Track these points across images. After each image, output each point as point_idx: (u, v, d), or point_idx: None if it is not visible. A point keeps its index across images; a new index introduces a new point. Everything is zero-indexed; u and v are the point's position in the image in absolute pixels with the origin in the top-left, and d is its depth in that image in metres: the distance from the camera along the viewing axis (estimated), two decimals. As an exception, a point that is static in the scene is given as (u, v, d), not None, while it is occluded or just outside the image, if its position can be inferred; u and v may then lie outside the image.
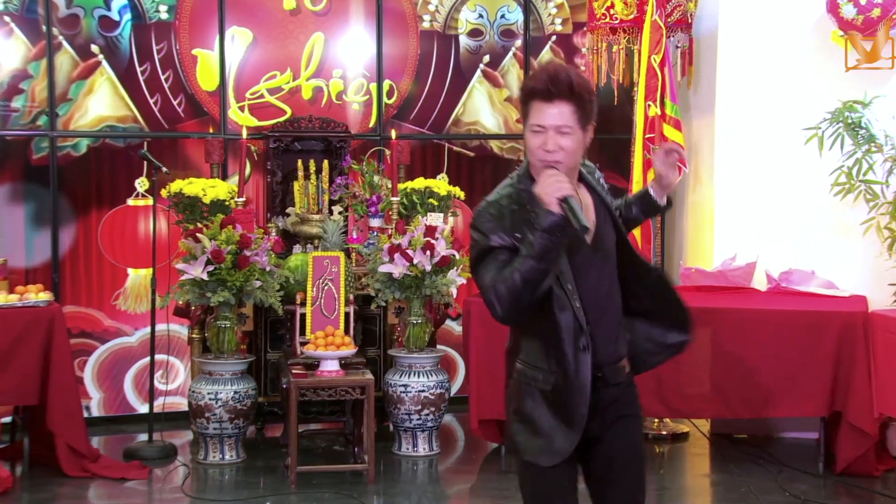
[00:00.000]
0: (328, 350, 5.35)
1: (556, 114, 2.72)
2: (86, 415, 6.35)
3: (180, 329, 6.44)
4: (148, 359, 6.40)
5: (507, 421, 2.94)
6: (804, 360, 5.41)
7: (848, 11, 5.75)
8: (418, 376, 5.77)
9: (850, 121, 5.60)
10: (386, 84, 6.90)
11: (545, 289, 2.71)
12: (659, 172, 3.05)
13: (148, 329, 6.41)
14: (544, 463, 2.83)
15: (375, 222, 6.11)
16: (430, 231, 5.67)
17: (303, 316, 5.62)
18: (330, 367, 5.35)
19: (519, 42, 7.16)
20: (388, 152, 6.47)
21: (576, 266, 2.79)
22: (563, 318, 2.75)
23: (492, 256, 2.74)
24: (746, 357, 5.50)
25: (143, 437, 5.92)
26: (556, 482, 2.84)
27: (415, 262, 5.59)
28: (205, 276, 5.42)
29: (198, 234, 5.50)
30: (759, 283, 6.17)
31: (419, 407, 5.73)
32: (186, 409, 5.91)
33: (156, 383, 6.31)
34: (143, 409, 6.49)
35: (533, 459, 2.84)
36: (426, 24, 7.02)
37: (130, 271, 6.56)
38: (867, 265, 5.89)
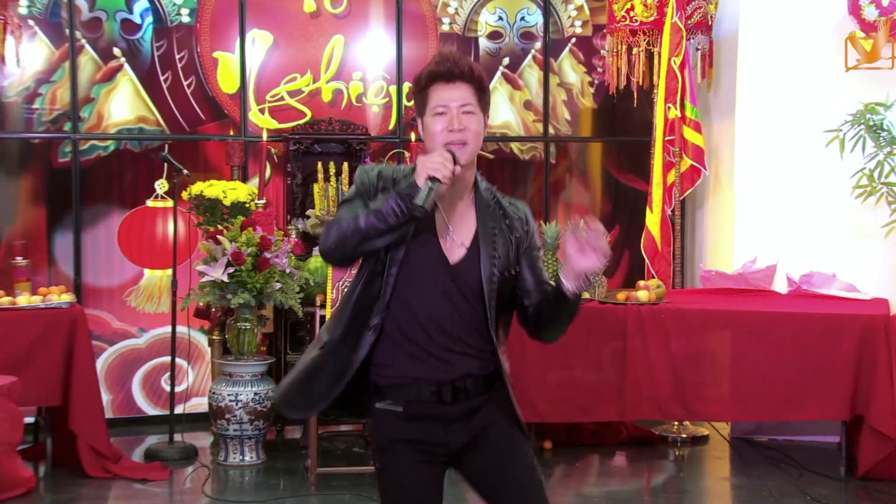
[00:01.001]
0: (348, 352, 5.34)
1: (460, 94, 2.73)
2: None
3: (185, 331, 6.39)
4: (156, 360, 6.48)
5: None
6: (825, 363, 5.39)
7: (870, 13, 5.73)
8: (438, 378, 5.77)
9: (871, 123, 5.57)
10: (406, 86, 6.91)
11: (372, 248, 2.68)
12: (567, 253, 2.73)
13: (156, 331, 6.49)
14: (283, 412, 2.95)
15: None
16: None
17: (322, 318, 5.63)
18: (350, 368, 5.34)
19: (538, 44, 7.16)
20: (407, 154, 6.48)
21: (419, 268, 2.73)
22: (360, 291, 2.74)
23: (353, 203, 2.75)
24: (767, 360, 5.48)
25: (156, 438, 5.96)
26: (413, 481, 2.80)
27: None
28: (225, 278, 5.44)
29: (218, 237, 5.53)
30: (780, 285, 6.15)
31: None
32: (204, 410, 5.93)
33: (163, 385, 6.35)
34: (152, 411, 6.53)
35: (275, 402, 2.95)
36: (446, 27, 7.03)
37: (146, 271, 6.59)
38: (889, 268, 5.86)
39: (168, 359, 6.04)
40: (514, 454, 2.83)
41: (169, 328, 6.03)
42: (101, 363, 6.43)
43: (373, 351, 2.76)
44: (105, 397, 6.42)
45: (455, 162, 2.68)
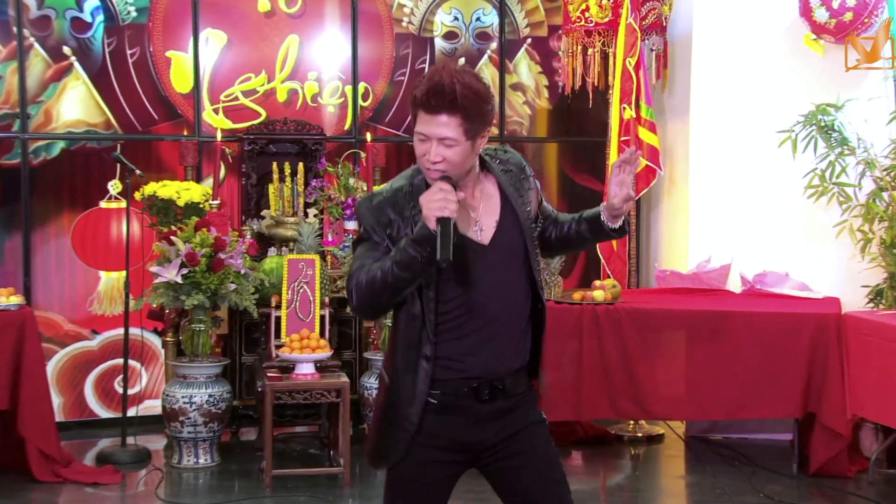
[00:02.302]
0: (303, 353, 5.33)
1: (440, 125, 2.62)
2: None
3: (138, 332, 6.31)
4: (109, 363, 6.39)
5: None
6: (778, 361, 5.44)
7: (821, 15, 5.79)
8: (394, 379, 5.75)
9: (822, 124, 5.64)
10: (361, 86, 6.89)
11: (407, 294, 2.67)
12: (610, 193, 2.82)
13: (110, 333, 6.40)
14: (375, 467, 2.86)
15: (351, 225, 6.09)
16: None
17: (278, 319, 5.60)
18: (305, 370, 5.32)
19: (494, 45, 7.16)
20: (363, 155, 6.46)
21: (462, 268, 2.69)
22: (404, 323, 2.72)
23: (368, 244, 2.72)
24: (721, 359, 5.52)
25: (108, 441, 5.88)
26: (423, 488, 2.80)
27: (390, 264, 5.57)
28: (179, 279, 5.38)
29: (172, 237, 5.47)
30: (734, 285, 6.20)
31: (395, 410, 5.71)
32: (157, 412, 5.86)
33: (116, 387, 6.27)
34: (105, 413, 6.44)
35: (371, 462, 2.87)
36: (401, 27, 7.01)
37: (102, 274, 6.51)
38: (840, 267, 5.93)
39: (119, 361, 5.97)
40: (549, 471, 2.82)
41: (122, 330, 5.96)
42: (52, 366, 6.34)
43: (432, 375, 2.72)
44: (57, 400, 6.35)
45: (455, 187, 2.63)
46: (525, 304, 2.80)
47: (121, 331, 5.96)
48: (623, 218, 2.84)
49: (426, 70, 6.92)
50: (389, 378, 2.77)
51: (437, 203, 2.58)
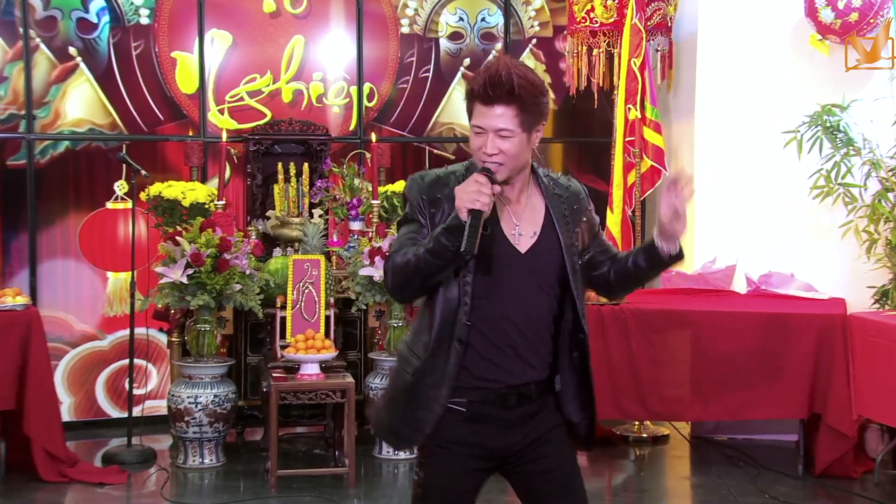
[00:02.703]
0: (308, 353, 5.33)
1: (496, 117, 2.63)
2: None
3: (147, 332, 6.33)
4: (120, 363, 6.40)
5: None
6: (783, 362, 5.44)
7: (826, 16, 5.79)
8: (399, 380, 5.75)
9: (828, 124, 5.64)
10: (366, 87, 6.89)
11: (439, 281, 2.67)
12: (659, 217, 2.75)
13: (120, 333, 6.39)
14: (392, 445, 2.88)
15: (356, 225, 6.10)
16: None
17: (283, 319, 5.60)
18: (310, 370, 5.33)
19: (499, 45, 7.16)
20: (368, 155, 6.46)
21: (493, 266, 2.69)
22: (441, 305, 2.69)
23: (411, 224, 2.72)
24: (726, 359, 5.52)
25: (118, 441, 5.88)
26: (451, 488, 2.78)
27: (395, 265, 5.57)
28: (184, 280, 5.39)
29: (177, 238, 5.47)
30: (739, 285, 6.20)
31: (400, 410, 5.71)
32: (164, 413, 5.87)
33: (126, 387, 6.29)
34: (116, 413, 6.46)
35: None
36: (406, 28, 7.02)
37: (110, 276, 6.52)
38: (846, 268, 5.93)
39: (135, 361, 6.00)
40: (571, 474, 2.82)
41: (139, 330, 5.98)
42: (63, 365, 6.39)
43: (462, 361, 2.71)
44: (67, 400, 6.40)
45: (492, 181, 2.63)
46: (548, 325, 2.76)
47: (136, 330, 5.97)
48: (678, 241, 2.76)
49: (430, 71, 7.00)
50: (418, 358, 2.73)
51: (470, 194, 2.58)
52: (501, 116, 2.63)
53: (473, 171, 2.70)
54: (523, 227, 2.74)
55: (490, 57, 7.11)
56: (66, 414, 6.41)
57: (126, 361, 6.32)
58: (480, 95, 2.65)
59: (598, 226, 2.89)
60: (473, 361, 2.71)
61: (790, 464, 5.63)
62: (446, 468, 2.76)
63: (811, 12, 5.85)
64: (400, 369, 2.81)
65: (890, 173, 5.63)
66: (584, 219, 2.83)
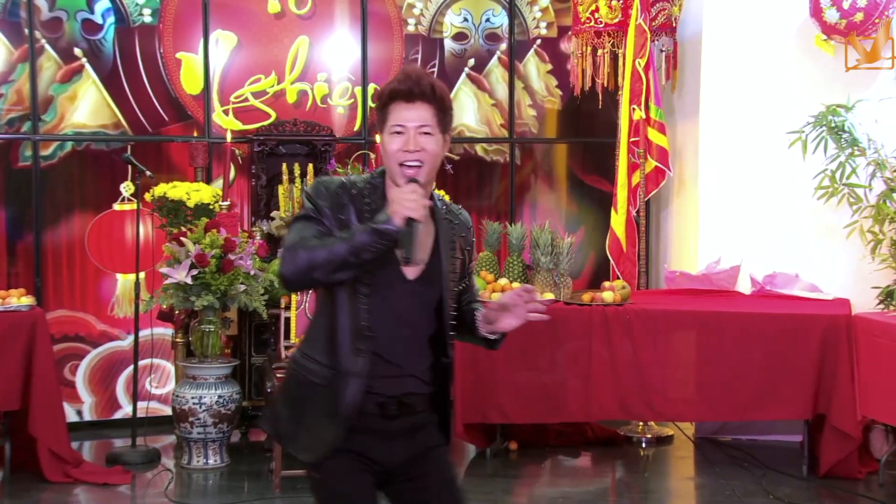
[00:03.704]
0: (312, 354, 5.32)
1: (418, 115, 2.71)
2: (77, 419, 6.35)
3: (167, 332, 6.39)
4: (140, 363, 6.40)
5: (273, 407, 2.90)
6: (788, 363, 5.43)
7: (831, 16, 5.78)
8: (403, 380, 5.75)
9: (833, 124, 5.62)
10: (371, 87, 6.89)
11: (340, 279, 2.68)
12: (496, 308, 2.79)
13: (141, 333, 6.38)
14: (305, 458, 2.81)
15: (359, 226, 6.09)
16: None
17: (287, 320, 5.61)
18: (314, 371, 5.32)
19: (504, 46, 7.16)
20: (372, 156, 6.46)
21: (385, 281, 2.72)
22: (342, 317, 2.72)
23: (312, 222, 2.73)
24: (730, 360, 5.51)
25: (120, 442, 5.90)
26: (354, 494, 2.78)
27: (399, 265, 5.57)
28: (189, 280, 5.39)
29: (182, 238, 5.48)
30: (744, 286, 6.19)
31: (404, 411, 5.71)
32: (168, 413, 5.89)
33: (148, 387, 6.32)
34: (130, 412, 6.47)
35: (294, 452, 2.83)
36: (411, 28, 7.02)
37: (119, 277, 6.53)
38: (850, 268, 5.92)
39: (152, 360, 6.10)
40: (449, 496, 2.85)
41: (150, 330, 6.02)
42: (84, 365, 6.43)
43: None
44: (88, 399, 6.43)
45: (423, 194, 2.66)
46: (427, 344, 2.79)
47: (153, 331, 6.05)
48: (499, 336, 2.83)
49: (434, 72, 7.00)
50: (321, 365, 2.74)
51: (409, 202, 2.62)
52: (423, 113, 2.71)
53: (377, 183, 2.75)
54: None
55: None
56: (87, 414, 6.44)
57: (146, 361, 6.39)
58: (404, 93, 2.71)
59: (473, 262, 2.94)
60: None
61: (794, 464, 5.62)
62: (335, 476, 2.76)
63: (816, 12, 5.84)
64: (292, 378, 2.82)
65: (895, 173, 5.62)
66: (466, 246, 2.87)
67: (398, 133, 2.72)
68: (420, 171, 2.71)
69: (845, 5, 5.72)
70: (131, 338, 6.47)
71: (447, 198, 3.00)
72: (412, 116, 2.71)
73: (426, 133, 2.71)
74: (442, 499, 2.84)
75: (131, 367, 6.44)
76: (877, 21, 5.71)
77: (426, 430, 2.84)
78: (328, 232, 2.70)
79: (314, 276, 2.67)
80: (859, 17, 5.71)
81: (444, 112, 2.74)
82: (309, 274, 2.67)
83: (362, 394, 2.71)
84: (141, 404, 6.01)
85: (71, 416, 6.37)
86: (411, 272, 2.75)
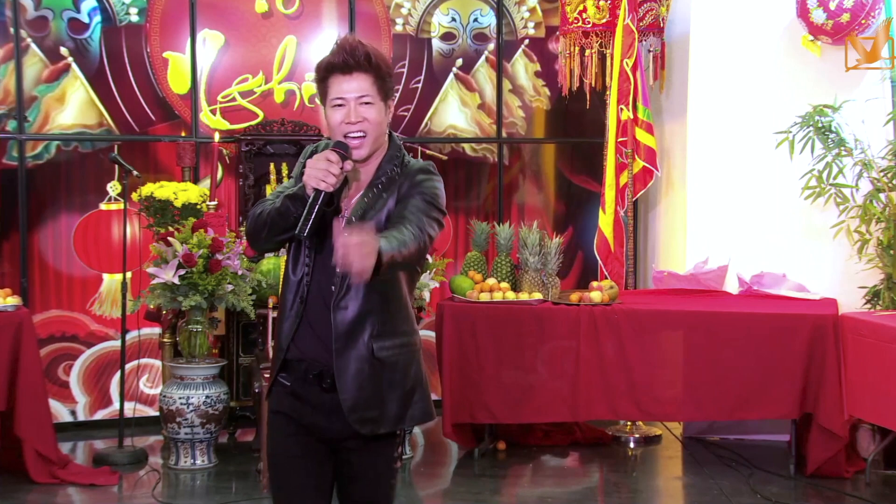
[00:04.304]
0: (300, 354, 5.32)
1: (357, 86, 2.71)
2: (71, 419, 6.33)
3: (156, 332, 6.37)
4: (133, 363, 6.40)
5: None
6: (775, 362, 5.44)
7: (818, 16, 5.80)
8: (391, 380, 5.74)
9: (820, 125, 5.64)
10: (359, 87, 6.87)
11: (287, 238, 2.73)
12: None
13: (135, 333, 6.37)
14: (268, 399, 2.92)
15: (348, 226, 6.09)
16: (403, 234, 5.64)
17: (275, 320, 5.57)
18: (302, 371, 5.31)
19: (492, 46, 7.16)
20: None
21: (324, 249, 2.73)
22: (289, 269, 2.79)
23: (289, 182, 2.85)
24: (718, 360, 5.52)
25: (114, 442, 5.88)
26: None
27: (387, 265, 5.57)
28: (176, 280, 5.38)
29: (169, 238, 5.46)
30: (731, 286, 6.21)
31: (392, 411, 5.70)
32: (155, 414, 5.87)
33: (141, 386, 6.29)
34: (129, 413, 6.43)
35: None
36: (399, 28, 7.01)
37: (105, 276, 6.50)
38: (838, 268, 5.93)
39: (146, 360, 6.10)
40: (375, 489, 2.86)
41: (143, 330, 6.02)
42: (78, 365, 6.42)
43: (294, 333, 2.77)
44: (83, 399, 6.39)
45: (345, 158, 2.66)
46: (371, 325, 2.75)
47: (141, 331, 6.05)
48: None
49: (423, 72, 6.99)
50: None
51: (318, 171, 2.62)
52: (362, 83, 2.71)
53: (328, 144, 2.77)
54: (348, 212, 2.77)
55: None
56: (81, 414, 6.42)
57: (140, 361, 6.38)
58: (340, 66, 2.72)
59: (414, 196, 2.77)
60: (305, 338, 2.76)
61: (782, 464, 5.64)
62: (277, 435, 2.82)
63: (803, 13, 5.86)
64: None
65: (881, 174, 5.64)
66: (394, 196, 2.77)
67: (339, 105, 2.73)
68: (364, 141, 2.72)
69: (832, 6, 5.74)
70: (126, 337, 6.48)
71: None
72: (351, 88, 2.71)
73: (367, 103, 2.72)
74: (361, 492, 2.87)
75: (126, 367, 6.45)
76: (863, 22, 5.72)
77: (362, 407, 2.76)
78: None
79: (264, 238, 2.75)
80: (846, 17, 5.73)
81: (382, 80, 2.74)
82: (259, 236, 2.76)
83: (314, 387, 2.81)
84: (129, 405, 5.98)
85: (65, 417, 6.37)
86: (338, 224, 2.75)
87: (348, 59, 2.71)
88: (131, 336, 6.36)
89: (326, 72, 2.75)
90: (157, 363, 6.45)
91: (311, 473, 2.81)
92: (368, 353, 2.74)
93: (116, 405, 6.45)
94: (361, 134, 2.72)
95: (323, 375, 2.75)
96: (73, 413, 6.41)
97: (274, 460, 2.84)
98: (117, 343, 6.45)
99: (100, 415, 6.47)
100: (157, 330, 6.24)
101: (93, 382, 6.48)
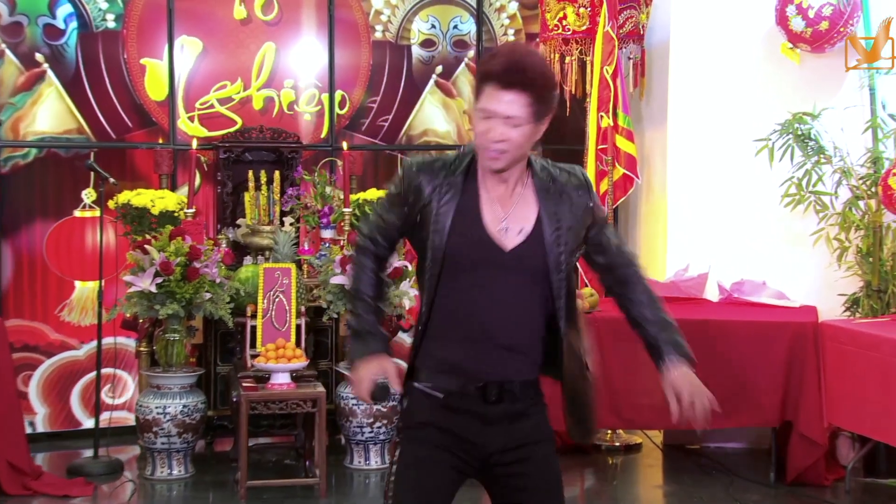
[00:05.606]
0: (279, 363, 5.28)
1: (509, 103, 2.52)
2: (30, 430, 6.22)
3: (128, 342, 6.33)
4: (96, 372, 6.32)
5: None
6: (755, 370, 5.44)
7: (797, 24, 5.81)
8: (370, 389, 5.70)
9: (799, 132, 5.66)
10: (338, 94, 6.85)
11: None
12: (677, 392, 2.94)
13: (96, 342, 6.30)
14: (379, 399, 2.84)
15: (327, 233, 6.06)
16: (382, 242, 5.61)
17: (253, 328, 5.55)
18: (281, 379, 5.28)
19: (472, 53, 7.14)
20: (340, 163, 6.42)
21: (473, 262, 2.63)
22: (425, 292, 2.72)
23: (390, 200, 2.74)
24: (698, 368, 5.44)
25: (89, 452, 5.80)
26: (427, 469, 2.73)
27: (367, 273, 5.53)
28: (153, 289, 5.32)
29: (146, 246, 5.41)
30: (712, 293, 6.20)
31: (371, 420, 5.67)
32: (131, 423, 5.80)
33: (104, 397, 6.21)
34: (90, 423, 6.37)
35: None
36: (378, 35, 6.99)
37: (77, 283, 6.44)
38: (817, 275, 5.94)
39: (108, 370, 6.00)
40: (550, 493, 2.81)
41: (109, 339, 5.94)
42: (38, 375, 6.32)
43: (420, 342, 2.70)
44: (42, 410, 6.32)
45: (386, 399, 2.70)
46: (535, 330, 2.73)
47: (106, 340, 5.95)
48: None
49: (402, 79, 6.97)
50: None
51: (358, 392, 2.70)
52: (514, 103, 2.53)
53: (464, 161, 2.66)
54: (511, 222, 2.64)
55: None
56: (40, 425, 6.33)
57: (103, 371, 6.28)
58: (498, 77, 2.53)
59: (603, 223, 2.77)
60: (447, 348, 2.67)
61: (762, 471, 5.63)
62: (418, 447, 2.69)
63: (782, 21, 5.87)
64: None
65: (860, 181, 5.66)
66: (582, 212, 2.69)
67: (485, 118, 2.57)
68: (503, 156, 2.59)
69: (811, 14, 5.75)
70: (86, 347, 6.41)
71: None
72: (502, 107, 2.53)
73: (514, 125, 2.54)
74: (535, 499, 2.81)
75: (86, 378, 6.39)
76: (842, 30, 5.74)
77: (535, 420, 2.81)
78: (405, 214, 2.68)
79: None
80: (825, 25, 5.74)
81: (540, 101, 2.55)
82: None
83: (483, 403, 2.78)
84: (104, 415, 5.91)
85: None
86: (509, 243, 2.64)
87: (508, 74, 2.52)
88: (94, 345, 6.32)
89: (483, 78, 2.56)
90: (122, 373, 6.36)
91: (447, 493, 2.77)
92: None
93: (77, 416, 6.39)
94: (501, 150, 2.58)
95: (487, 389, 2.74)
96: (32, 424, 6.28)
97: (413, 473, 2.73)
98: (79, 353, 6.40)
99: (63, 427, 6.37)
100: (124, 339, 6.14)
101: (53, 394, 6.39)
